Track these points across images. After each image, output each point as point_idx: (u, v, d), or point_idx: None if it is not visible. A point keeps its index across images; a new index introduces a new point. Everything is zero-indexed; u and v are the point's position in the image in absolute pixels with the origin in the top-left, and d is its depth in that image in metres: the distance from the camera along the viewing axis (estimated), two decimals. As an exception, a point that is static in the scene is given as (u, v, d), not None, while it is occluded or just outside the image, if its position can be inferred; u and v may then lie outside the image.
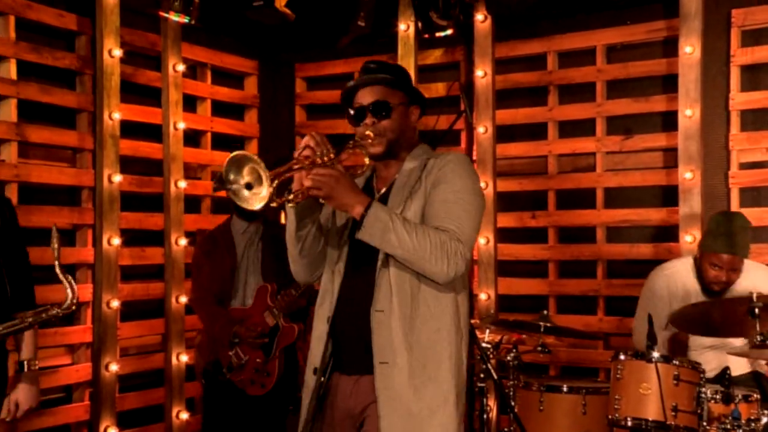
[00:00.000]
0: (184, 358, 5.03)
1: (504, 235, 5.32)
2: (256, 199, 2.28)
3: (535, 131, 5.33)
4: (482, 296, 5.16)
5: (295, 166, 2.42)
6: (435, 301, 2.55)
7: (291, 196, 2.45)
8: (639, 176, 5.06)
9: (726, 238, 3.87)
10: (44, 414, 4.46)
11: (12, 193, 4.33)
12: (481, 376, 3.60)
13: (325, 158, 2.44)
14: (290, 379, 4.29)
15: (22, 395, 3.13)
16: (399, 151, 2.66)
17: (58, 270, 2.87)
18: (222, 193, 4.70)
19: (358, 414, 2.60)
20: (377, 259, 2.55)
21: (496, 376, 3.25)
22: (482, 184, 4.88)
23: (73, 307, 2.93)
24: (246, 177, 2.29)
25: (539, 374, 4.48)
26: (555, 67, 5.28)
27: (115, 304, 4.66)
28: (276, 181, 2.31)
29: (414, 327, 2.52)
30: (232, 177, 2.29)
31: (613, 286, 5.03)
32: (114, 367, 4.63)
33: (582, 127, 5.22)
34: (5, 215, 3.12)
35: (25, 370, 3.16)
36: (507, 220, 5.33)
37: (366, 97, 2.63)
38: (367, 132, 2.58)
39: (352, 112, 2.66)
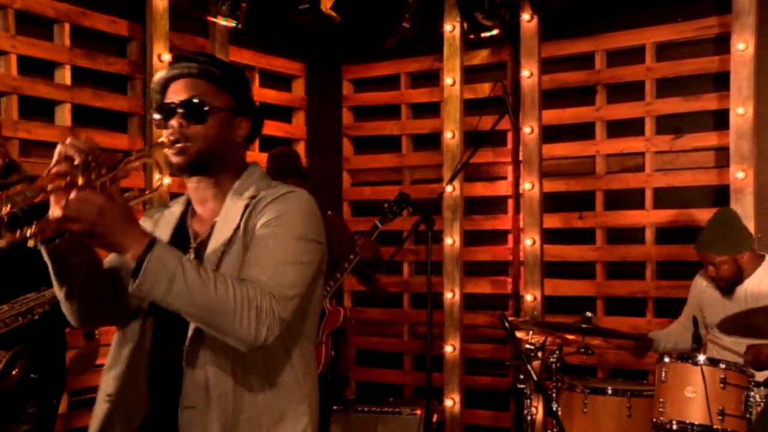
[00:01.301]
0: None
1: (550, 236, 5.27)
2: None
3: (583, 131, 5.28)
4: (528, 297, 5.13)
5: (48, 188, 1.71)
6: (267, 385, 1.92)
7: (33, 230, 1.72)
8: (689, 176, 4.97)
9: (701, 234, 3.98)
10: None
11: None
12: (521, 377, 3.58)
13: (92, 175, 1.73)
14: (340, 364, 4.34)
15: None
16: (216, 173, 2.02)
17: None
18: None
19: None
20: (188, 328, 1.89)
21: (536, 378, 3.23)
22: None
23: None
24: None
25: (586, 376, 4.43)
26: (603, 66, 5.22)
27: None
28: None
29: (238, 426, 1.88)
30: None
31: (663, 287, 4.95)
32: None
33: (631, 127, 5.15)
34: None
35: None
36: (553, 221, 5.29)
37: (179, 92, 1.99)
38: (162, 139, 1.96)
39: (157, 115, 2.00)
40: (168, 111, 1.99)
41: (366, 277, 4.46)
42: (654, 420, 3.44)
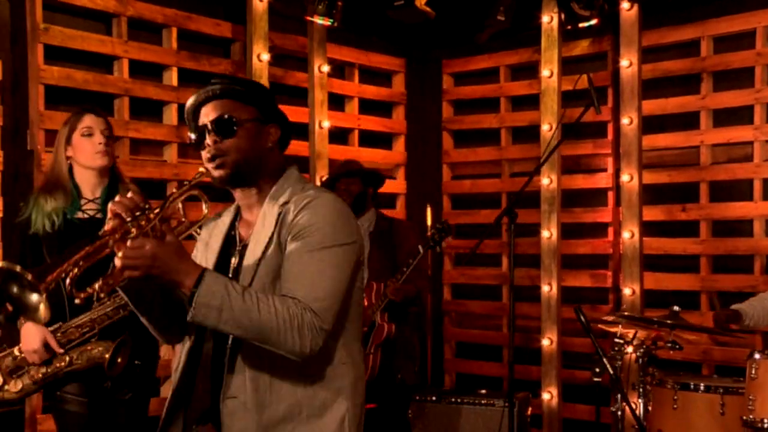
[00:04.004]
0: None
1: (651, 229, 5.13)
2: (39, 310, 1.88)
3: (687, 121, 5.11)
4: (626, 291, 5.01)
5: (110, 243, 1.95)
6: (306, 378, 2.09)
7: (98, 285, 1.97)
8: (803, 166, 4.74)
9: None
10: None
11: (172, 191, 4.69)
12: (596, 371, 3.52)
13: (142, 222, 1.95)
14: (386, 378, 4.35)
15: None
16: (256, 180, 2.20)
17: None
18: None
19: None
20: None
21: (612, 372, 3.18)
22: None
23: None
24: (26, 288, 1.87)
25: (680, 372, 4.28)
26: (709, 53, 5.03)
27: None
28: (52, 284, 1.89)
29: (278, 414, 2.07)
30: (15, 292, 1.88)
31: (772, 282, 4.74)
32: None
33: (738, 115, 4.95)
34: None
35: None
36: (655, 213, 5.14)
37: (209, 113, 2.17)
38: (201, 169, 2.16)
39: (193, 136, 2.20)
40: (201, 132, 2.18)
41: (399, 313, 4.40)
42: (744, 418, 3.32)
